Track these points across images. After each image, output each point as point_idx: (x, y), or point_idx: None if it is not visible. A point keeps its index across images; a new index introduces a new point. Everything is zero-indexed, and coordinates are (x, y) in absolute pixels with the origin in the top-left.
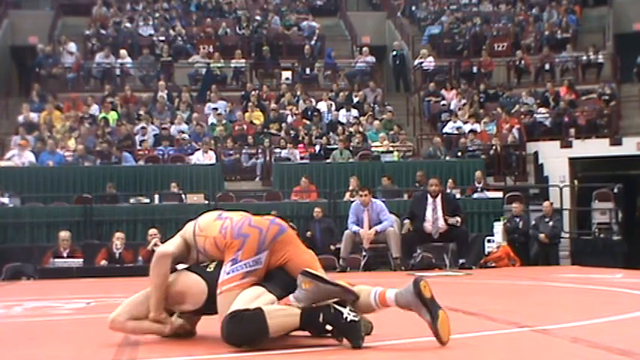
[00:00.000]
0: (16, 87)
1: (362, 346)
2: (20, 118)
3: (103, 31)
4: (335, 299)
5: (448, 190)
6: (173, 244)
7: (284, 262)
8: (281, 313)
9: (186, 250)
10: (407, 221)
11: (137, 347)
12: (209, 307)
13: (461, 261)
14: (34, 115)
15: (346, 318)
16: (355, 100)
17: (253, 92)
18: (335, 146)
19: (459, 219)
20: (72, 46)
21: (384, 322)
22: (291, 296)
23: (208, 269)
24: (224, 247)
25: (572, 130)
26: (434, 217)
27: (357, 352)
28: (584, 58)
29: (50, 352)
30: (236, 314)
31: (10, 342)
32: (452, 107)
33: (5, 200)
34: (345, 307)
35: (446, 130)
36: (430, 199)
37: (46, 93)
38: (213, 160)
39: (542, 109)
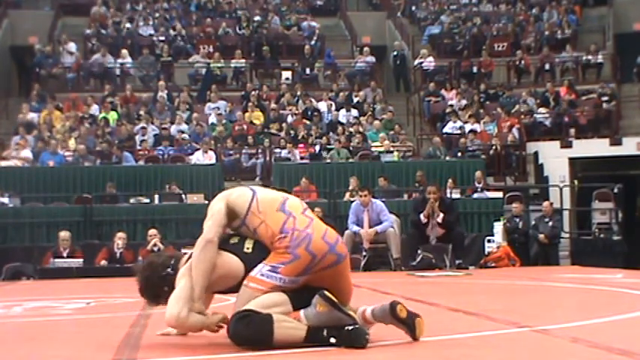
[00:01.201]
0: (16, 87)
1: (366, 346)
2: (20, 118)
3: (103, 31)
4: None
5: (448, 191)
6: (217, 226)
7: (320, 285)
8: (289, 325)
9: (227, 219)
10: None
11: (137, 347)
12: (237, 287)
13: (457, 262)
14: (33, 115)
15: (347, 327)
16: (355, 100)
17: (253, 92)
18: (335, 146)
19: (441, 215)
20: (72, 46)
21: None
22: (302, 312)
23: (246, 249)
24: (276, 247)
25: (572, 130)
26: (432, 224)
27: (357, 352)
28: (584, 58)
29: (50, 352)
30: (246, 315)
31: (10, 342)
32: (452, 107)
33: (5, 200)
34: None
35: (446, 130)
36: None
37: (45, 93)
38: (213, 160)
39: (542, 109)
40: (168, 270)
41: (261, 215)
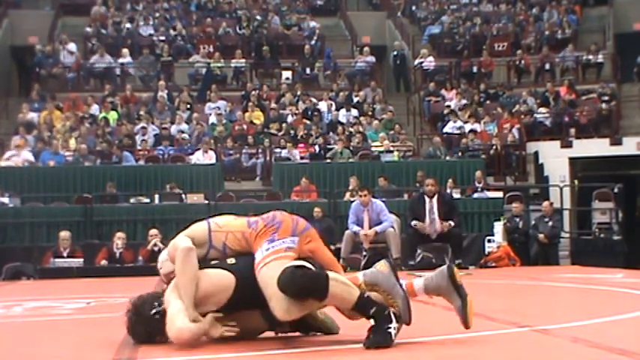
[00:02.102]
0: (16, 87)
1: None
2: (20, 118)
3: (103, 31)
4: (392, 307)
5: (448, 190)
6: (189, 239)
7: (313, 256)
8: (344, 284)
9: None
10: (416, 223)
11: (137, 347)
12: (232, 305)
13: (457, 261)
14: (34, 115)
15: (388, 328)
16: (355, 100)
17: (253, 92)
18: (335, 146)
19: (452, 223)
20: (72, 46)
21: (353, 322)
22: (360, 273)
23: (230, 262)
24: (256, 236)
25: (572, 130)
26: (431, 218)
27: (357, 352)
28: (585, 57)
29: (50, 352)
30: (303, 267)
31: (10, 342)
32: (452, 107)
33: (5, 200)
34: (398, 322)
35: (446, 130)
36: (427, 200)
37: (46, 93)
38: (214, 160)
39: (542, 109)
40: (156, 308)
41: (223, 228)
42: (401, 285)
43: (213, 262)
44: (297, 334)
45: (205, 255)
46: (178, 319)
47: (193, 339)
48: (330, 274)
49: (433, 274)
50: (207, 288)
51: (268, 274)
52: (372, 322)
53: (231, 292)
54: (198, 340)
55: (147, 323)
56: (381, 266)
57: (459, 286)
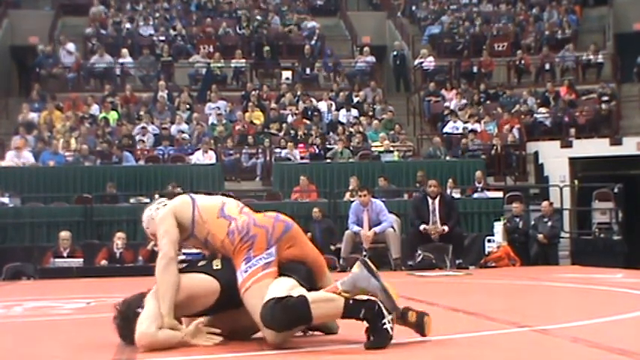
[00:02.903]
0: (16, 87)
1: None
2: (20, 118)
3: (103, 31)
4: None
5: (448, 191)
6: (174, 243)
7: (296, 258)
8: (325, 300)
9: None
10: (425, 227)
11: (137, 347)
12: (220, 306)
13: (458, 261)
14: (34, 115)
15: (383, 324)
16: (355, 100)
17: (253, 92)
18: (335, 146)
19: (445, 229)
20: (71, 46)
21: (352, 323)
22: (338, 282)
23: (215, 267)
24: (232, 252)
25: (572, 130)
26: (433, 220)
27: (357, 352)
28: (584, 58)
29: (50, 352)
30: (282, 299)
31: (10, 342)
32: (452, 107)
33: (5, 200)
34: (390, 314)
35: (446, 130)
36: (430, 201)
37: (46, 93)
38: (214, 160)
39: (542, 109)
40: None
41: (206, 225)
42: (376, 276)
43: (200, 264)
44: (298, 333)
45: (187, 238)
46: (144, 324)
47: (153, 346)
48: (310, 296)
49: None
50: (193, 292)
51: (251, 303)
52: (365, 323)
53: (217, 296)
54: (160, 347)
55: (134, 325)
56: (355, 268)
57: (374, 272)
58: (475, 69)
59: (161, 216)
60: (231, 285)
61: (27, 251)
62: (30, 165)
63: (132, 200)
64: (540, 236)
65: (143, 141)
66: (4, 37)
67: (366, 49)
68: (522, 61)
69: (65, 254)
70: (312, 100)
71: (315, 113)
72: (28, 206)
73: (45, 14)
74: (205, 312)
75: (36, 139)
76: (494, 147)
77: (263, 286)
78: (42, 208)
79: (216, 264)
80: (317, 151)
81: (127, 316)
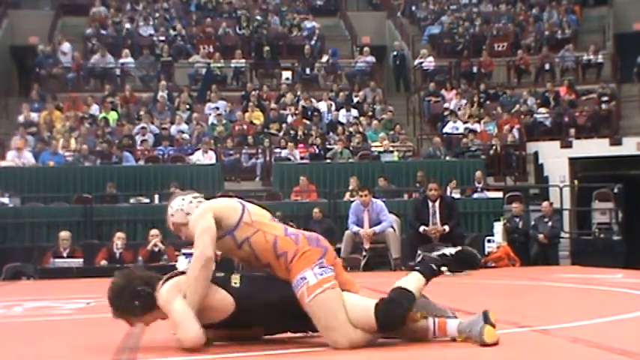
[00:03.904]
0: (16, 87)
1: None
2: (20, 118)
3: (103, 31)
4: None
5: (448, 192)
6: (214, 242)
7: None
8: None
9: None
10: (425, 229)
11: (137, 347)
12: (226, 324)
13: None
14: (34, 115)
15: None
16: (355, 100)
17: (253, 92)
18: (335, 146)
19: (446, 229)
20: (66, 47)
21: None
22: (457, 323)
23: (233, 284)
24: (301, 254)
25: (572, 130)
26: (433, 222)
27: (357, 352)
28: (584, 58)
29: (50, 352)
30: (389, 300)
31: (10, 342)
32: (452, 107)
33: (5, 200)
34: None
35: (446, 130)
36: (430, 204)
37: (46, 93)
38: (213, 160)
39: (542, 109)
40: (145, 287)
41: (255, 224)
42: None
43: (217, 275)
44: (299, 335)
45: (220, 238)
46: (191, 323)
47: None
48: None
49: (469, 318)
50: (208, 303)
51: (327, 302)
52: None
53: (227, 315)
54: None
55: (130, 297)
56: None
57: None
58: (475, 69)
59: (200, 211)
60: (245, 306)
61: (27, 251)
62: (30, 165)
63: (132, 200)
64: (541, 236)
65: (146, 141)
66: (4, 37)
67: (365, 49)
68: (522, 61)
69: (65, 254)
70: (312, 100)
71: (315, 113)
72: (28, 206)
73: (45, 14)
74: (209, 325)
75: (36, 139)
76: (494, 147)
77: (338, 294)
78: (42, 208)
79: (235, 280)
80: (317, 151)
81: (129, 283)
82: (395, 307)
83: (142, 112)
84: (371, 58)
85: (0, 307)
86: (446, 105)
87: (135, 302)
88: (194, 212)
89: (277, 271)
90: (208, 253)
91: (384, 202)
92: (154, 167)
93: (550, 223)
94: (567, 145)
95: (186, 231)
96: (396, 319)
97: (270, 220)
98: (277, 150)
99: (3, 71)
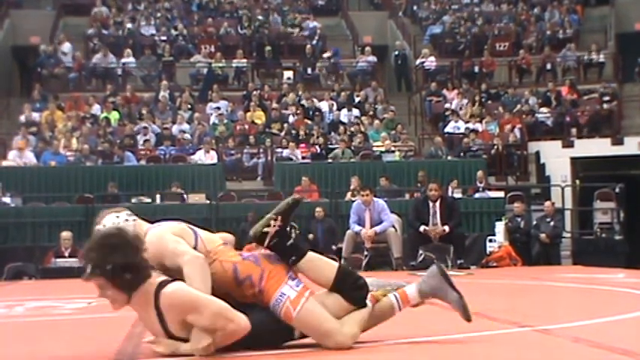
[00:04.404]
0: (18, 87)
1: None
2: (22, 118)
3: (104, 31)
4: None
5: (449, 192)
6: (189, 246)
7: None
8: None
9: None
10: (425, 229)
11: (138, 347)
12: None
13: (459, 261)
14: (35, 115)
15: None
16: (357, 99)
17: (255, 92)
18: (336, 146)
19: (446, 229)
20: (67, 47)
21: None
22: (411, 286)
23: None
24: (260, 274)
25: (573, 130)
26: (433, 222)
27: (358, 353)
28: (586, 57)
29: (51, 352)
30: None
31: (12, 341)
32: (453, 107)
33: (7, 200)
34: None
35: (447, 129)
36: (430, 204)
37: (47, 93)
38: (215, 160)
39: (543, 109)
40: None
41: (210, 254)
42: (454, 287)
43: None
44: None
45: (176, 268)
46: (233, 310)
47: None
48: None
49: (424, 278)
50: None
51: (318, 311)
52: None
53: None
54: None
55: (126, 258)
56: (431, 275)
57: (452, 283)
58: (476, 69)
59: (158, 234)
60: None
61: (28, 251)
62: (31, 165)
63: (133, 200)
64: (543, 236)
65: (148, 140)
66: (6, 37)
67: (367, 48)
68: (524, 61)
69: (66, 254)
70: (314, 99)
71: (317, 113)
72: (29, 206)
73: (46, 14)
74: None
75: (37, 139)
76: (496, 147)
77: (317, 300)
78: (43, 208)
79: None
80: (318, 151)
81: (124, 243)
82: (347, 271)
83: (143, 112)
84: (372, 58)
85: (1, 306)
86: (447, 105)
87: (126, 275)
88: (147, 239)
89: (239, 297)
90: (196, 254)
91: (385, 201)
92: (155, 167)
93: (552, 223)
94: (569, 144)
95: None
96: (352, 278)
97: (222, 245)
98: (279, 150)
99: (5, 71)
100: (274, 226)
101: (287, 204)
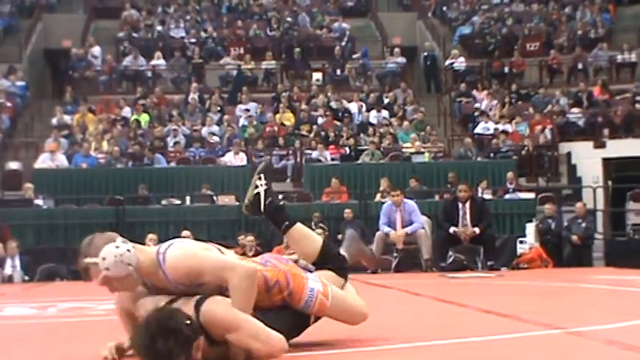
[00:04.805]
0: (50, 90)
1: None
2: (54, 121)
3: (134, 34)
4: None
5: (479, 193)
6: (240, 260)
7: None
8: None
9: None
10: (455, 230)
11: None
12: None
13: (489, 263)
14: (67, 118)
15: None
16: (386, 101)
17: (284, 93)
18: (366, 147)
19: (476, 230)
20: (96, 50)
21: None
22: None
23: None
24: (285, 276)
25: (605, 130)
26: (463, 224)
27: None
28: (619, 57)
29: (85, 353)
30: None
31: (45, 342)
32: (483, 108)
33: (39, 202)
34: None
35: (477, 130)
36: (460, 205)
37: (78, 96)
38: (244, 162)
39: (575, 109)
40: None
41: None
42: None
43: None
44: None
45: (204, 282)
46: (270, 330)
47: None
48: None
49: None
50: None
51: (341, 294)
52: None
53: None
54: None
55: (176, 336)
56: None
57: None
58: (506, 69)
59: (190, 252)
60: None
61: (60, 252)
62: (63, 167)
63: (164, 202)
64: (574, 237)
65: (178, 142)
66: (39, 40)
67: (396, 49)
68: (555, 61)
69: None
70: (343, 101)
71: (346, 114)
72: (61, 208)
73: (78, 18)
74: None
75: (69, 141)
76: (526, 148)
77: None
78: (75, 210)
79: None
80: (347, 152)
81: (166, 323)
82: (330, 245)
83: (173, 114)
84: (402, 59)
85: (35, 307)
86: (477, 105)
87: (185, 339)
88: (178, 260)
89: (266, 304)
90: (253, 267)
91: (415, 202)
92: (185, 169)
93: (583, 224)
94: (601, 145)
95: (121, 283)
96: (333, 251)
97: (239, 257)
98: (308, 151)
99: (37, 74)
100: (261, 185)
101: (264, 165)
